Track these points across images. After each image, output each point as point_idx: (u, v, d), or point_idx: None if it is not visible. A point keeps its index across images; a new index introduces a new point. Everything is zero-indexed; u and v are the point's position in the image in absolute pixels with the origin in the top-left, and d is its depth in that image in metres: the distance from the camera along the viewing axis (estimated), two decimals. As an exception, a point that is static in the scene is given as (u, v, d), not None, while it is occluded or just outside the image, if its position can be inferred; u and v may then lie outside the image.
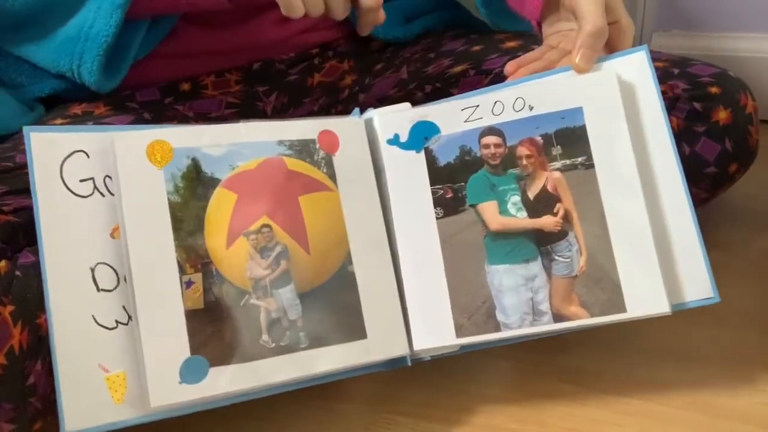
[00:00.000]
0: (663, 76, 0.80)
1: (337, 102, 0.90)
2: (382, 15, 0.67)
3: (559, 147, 0.62)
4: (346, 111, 0.86)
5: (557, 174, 0.61)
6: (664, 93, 0.78)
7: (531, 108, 0.62)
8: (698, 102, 0.79)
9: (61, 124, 0.71)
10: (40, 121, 0.75)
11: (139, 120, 0.76)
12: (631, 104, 0.61)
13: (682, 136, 0.79)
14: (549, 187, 0.62)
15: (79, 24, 0.68)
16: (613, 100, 0.61)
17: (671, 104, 0.79)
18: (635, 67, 0.62)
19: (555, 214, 0.61)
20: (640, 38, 1.21)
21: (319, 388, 0.60)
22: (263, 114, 0.86)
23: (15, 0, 0.67)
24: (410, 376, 0.68)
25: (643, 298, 0.58)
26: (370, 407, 0.66)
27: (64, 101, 0.77)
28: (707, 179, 0.82)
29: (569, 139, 0.61)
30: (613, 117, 0.61)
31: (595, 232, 0.60)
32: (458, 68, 0.85)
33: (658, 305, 0.58)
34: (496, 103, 0.63)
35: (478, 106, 0.64)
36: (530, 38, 0.88)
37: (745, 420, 0.62)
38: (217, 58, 0.84)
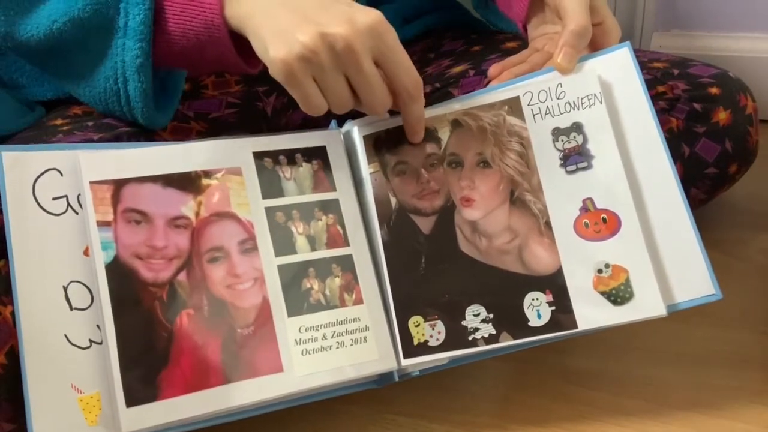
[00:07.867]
0: (663, 76, 0.80)
1: (337, 102, 0.90)
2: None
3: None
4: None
5: None
6: (663, 93, 0.78)
7: None
8: (698, 103, 0.79)
9: (62, 124, 0.71)
10: (40, 122, 0.75)
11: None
12: (616, 102, 0.61)
13: (681, 137, 0.79)
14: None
15: (113, 77, 0.65)
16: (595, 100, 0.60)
17: (671, 105, 0.79)
18: (619, 65, 0.61)
19: None
20: (640, 38, 1.20)
21: (318, 388, 0.60)
22: (263, 114, 0.86)
23: (30, 36, 0.66)
24: (410, 376, 0.68)
25: (637, 301, 0.58)
26: (370, 407, 0.66)
27: (65, 102, 0.77)
28: (707, 180, 0.82)
29: None
30: (596, 118, 0.60)
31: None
32: (458, 68, 0.85)
33: (653, 308, 0.57)
34: None
35: None
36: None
37: (745, 420, 0.62)
38: None
